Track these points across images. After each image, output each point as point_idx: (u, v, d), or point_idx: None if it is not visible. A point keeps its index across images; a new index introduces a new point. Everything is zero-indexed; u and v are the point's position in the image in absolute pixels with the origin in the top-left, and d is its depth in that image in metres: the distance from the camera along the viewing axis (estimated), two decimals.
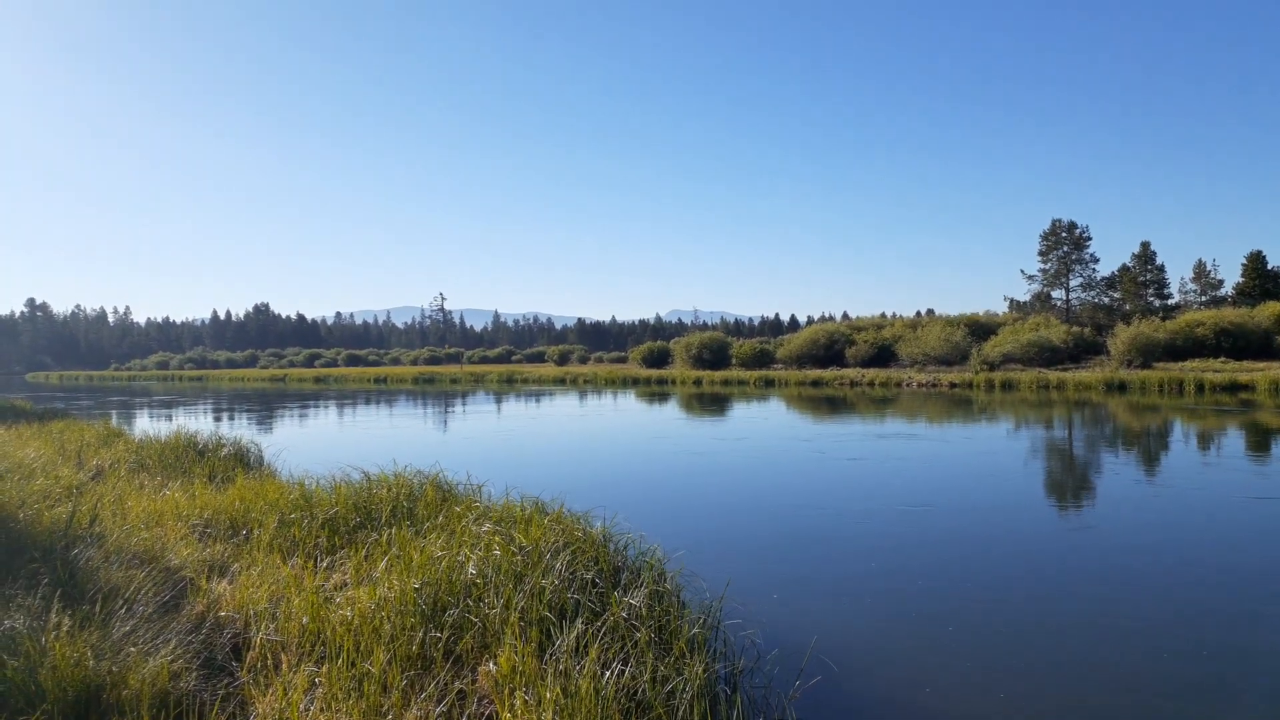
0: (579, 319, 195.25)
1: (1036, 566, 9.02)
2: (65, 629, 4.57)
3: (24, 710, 4.06)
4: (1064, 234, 70.36)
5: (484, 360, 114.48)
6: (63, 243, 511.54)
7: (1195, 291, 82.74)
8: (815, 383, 48.78)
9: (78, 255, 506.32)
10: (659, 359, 71.21)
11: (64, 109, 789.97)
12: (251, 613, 5.74)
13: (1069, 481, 15.09)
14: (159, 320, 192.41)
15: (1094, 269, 70.60)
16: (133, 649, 4.60)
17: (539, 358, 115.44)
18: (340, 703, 4.54)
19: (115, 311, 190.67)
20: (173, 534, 7.84)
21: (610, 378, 60.71)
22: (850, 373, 51.72)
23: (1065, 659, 6.33)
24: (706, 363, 63.55)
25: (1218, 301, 76.80)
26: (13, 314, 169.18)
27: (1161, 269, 74.08)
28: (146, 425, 25.77)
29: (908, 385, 44.02)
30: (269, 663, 5.12)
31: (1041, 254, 71.65)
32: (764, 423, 27.57)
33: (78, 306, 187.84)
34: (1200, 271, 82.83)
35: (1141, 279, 73.71)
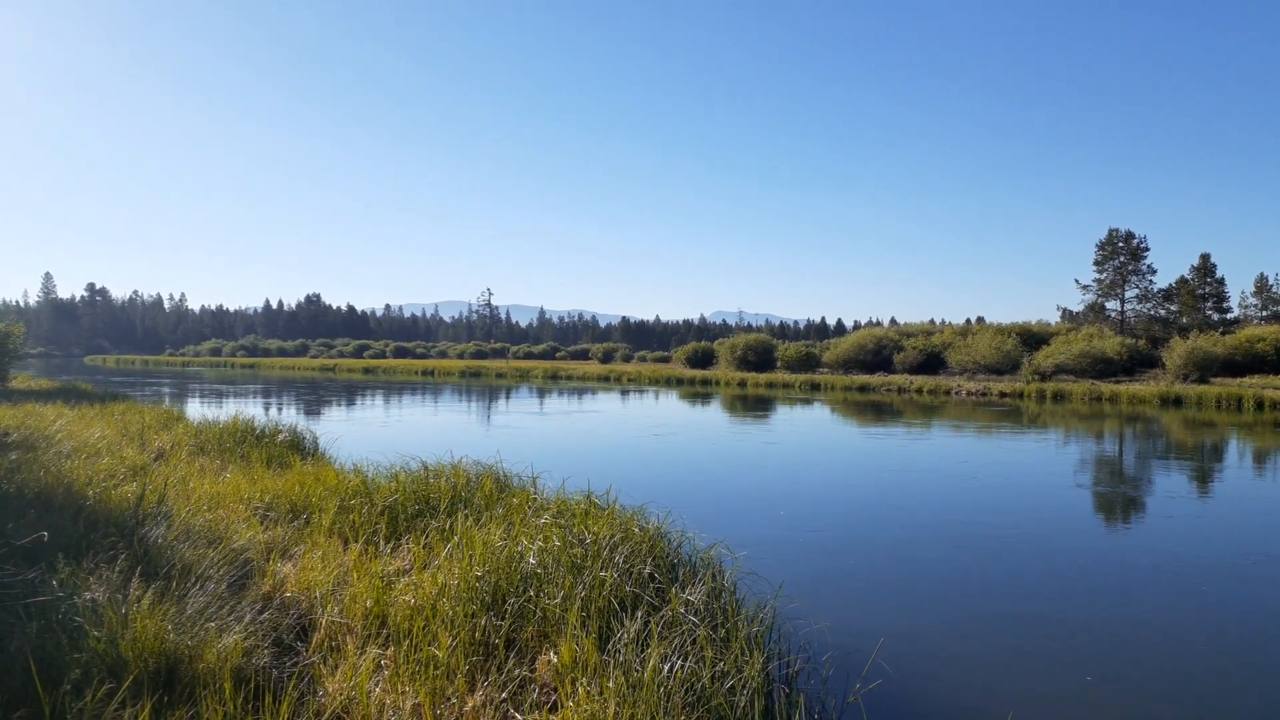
0: (623, 318, 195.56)
1: (1103, 577, 8.86)
2: (145, 603, 4.70)
3: (107, 680, 4.18)
4: (1121, 244, 68.98)
5: (529, 356, 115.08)
6: (122, 230, 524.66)
7: (1256, 306, 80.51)
8: (862, 388, 48.30)
9: (136, 243, 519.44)
10: (703, 359, 71.01)
11: (123, 100, 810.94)
12: (316, 595, 5.86)
13: (1131, 496, 14.78)
14: (213, 308, 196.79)
15: (1151, 280, 69.21)
16: (210, 624, 4.72)
17: (583, 355, 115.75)
18: (406, 684, 4.62)
19: (171, 298, 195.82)
20: (235, 516, 8.02)
21: (654, 377, 60.68)
22: (898, 379, 51.12)
23: (1131, 670, 6.22)
24: (751, 365, 63.23)
25: (1279, 317, 74.68)
26: (73, 298, 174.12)
27: (1221, 282, 72.11)
28: (202, 410, 26.34)
29: (957, 393, 43.41)
30: (335, 644, 5.23)
31: (1097, 263, 70.32)
32: (814, 426, 27.41)
33: (135, 292, 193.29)
34: (1261, 285, 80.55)
35: (1200, 292, 71.83)
